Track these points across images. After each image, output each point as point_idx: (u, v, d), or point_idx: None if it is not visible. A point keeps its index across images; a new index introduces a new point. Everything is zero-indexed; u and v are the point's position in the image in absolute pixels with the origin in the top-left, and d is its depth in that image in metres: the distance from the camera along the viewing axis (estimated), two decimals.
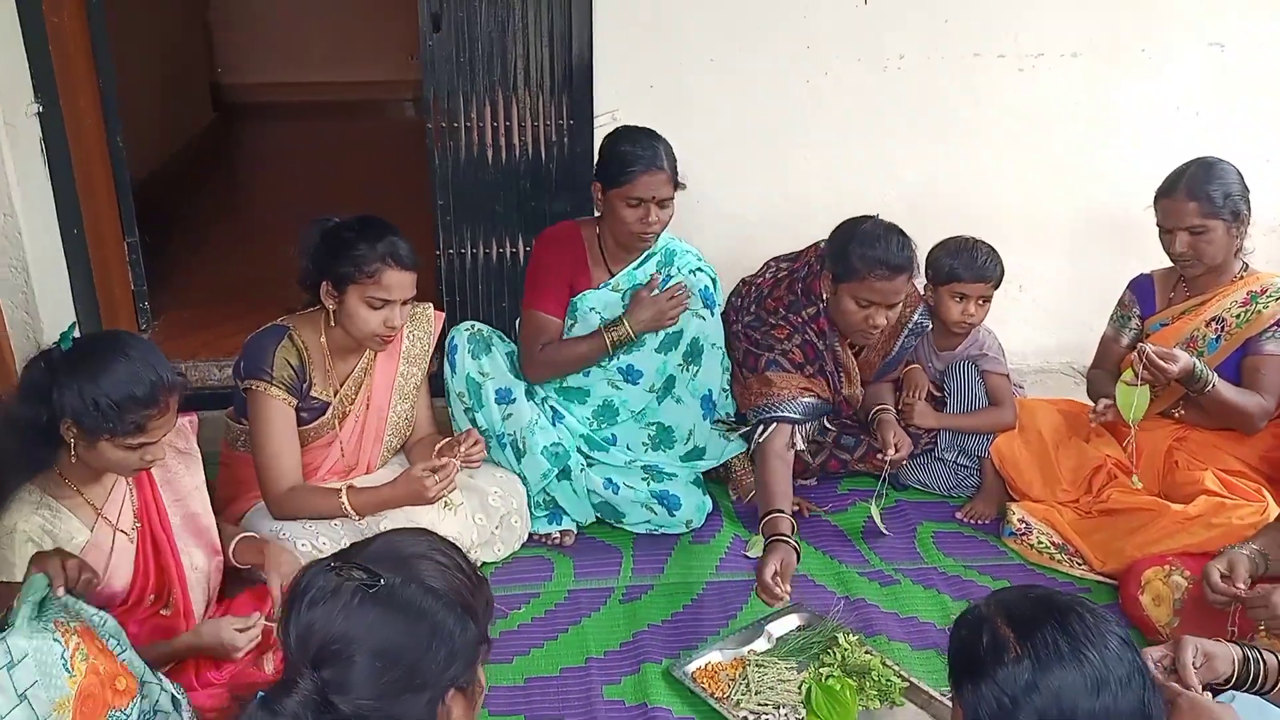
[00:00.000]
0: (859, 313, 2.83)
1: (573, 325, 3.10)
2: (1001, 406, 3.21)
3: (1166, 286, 3.14)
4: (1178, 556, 2.69)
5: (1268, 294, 2.91)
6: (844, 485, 3.32)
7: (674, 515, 3.03)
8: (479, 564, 2.84)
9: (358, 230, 2.59)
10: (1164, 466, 3.03)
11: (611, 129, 3.11)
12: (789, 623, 2.64)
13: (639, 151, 2.91)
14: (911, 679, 2.41)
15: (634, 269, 3.10)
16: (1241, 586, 2.31)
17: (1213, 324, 2.97)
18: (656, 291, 3.01)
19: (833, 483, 3.32)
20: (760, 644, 2.58)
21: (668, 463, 3.12)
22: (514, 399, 3.02)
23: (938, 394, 3.29)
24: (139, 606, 2.30)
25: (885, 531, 3.03)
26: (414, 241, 2.68)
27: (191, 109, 7.11)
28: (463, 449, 2.67)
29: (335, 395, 2.73)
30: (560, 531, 3.04)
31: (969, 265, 3.16)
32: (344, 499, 2.61)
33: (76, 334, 2.13)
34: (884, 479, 3.08)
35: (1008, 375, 3.27)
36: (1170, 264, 3.07)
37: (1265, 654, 1.88)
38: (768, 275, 3.22)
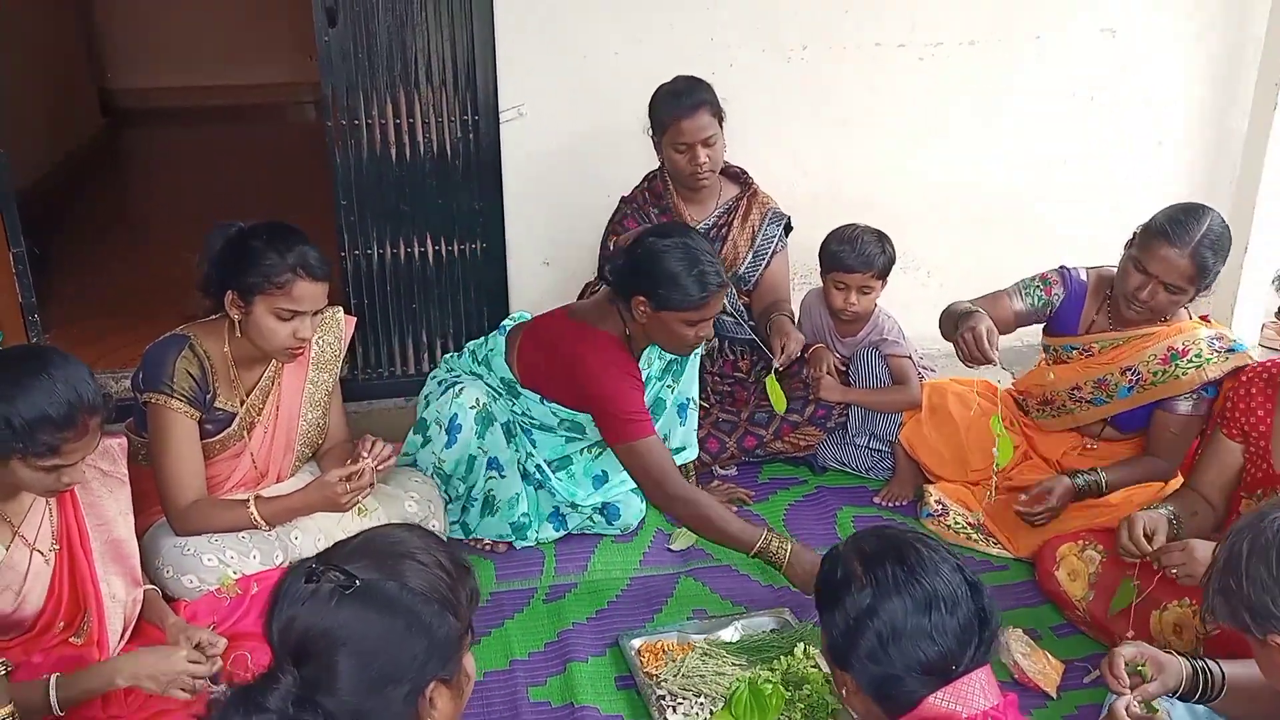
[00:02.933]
0: (681, 158, 3.17)
1: None
2: (906, 385, 3.25)
3: (1094, 305, 2.95)
4: (1090, 532, 2.75)
5: (1188, 358, 2.74)
6: (764, 474, 3.33)
7: (612, 524, 3.02)
8: None
9: (266, 238, 2.48)
10: (1062, 462, 3.06)
11: (655, 243, 2.65)
12: (762, 623, 2.63)
13: (705, 267, 2.60)
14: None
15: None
16: (1151, 547, 2.39)
17: (1128, 374, 2.83)
18: None
19: (752, 471, 3.32)
20: (727, 634, 2.58)
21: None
22: (505, 475, 2.92)
23: (843, 369, 3.32)
24: (47, 634, 2.19)
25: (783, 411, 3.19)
26: (318, 243, 2.60)
27: (79, 115, 6.83)
28: (370, 456, 2.59)
29: (242, 405, 2.64)
30: (493, 541, 2.99)
31: (846, 255, 3.19)
32: (252, 509, 2.52)
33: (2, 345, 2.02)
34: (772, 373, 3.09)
35: (910, 356, 3.31)
36: (1101, 274, 2.96)
37: (1212, 664, 1.93)
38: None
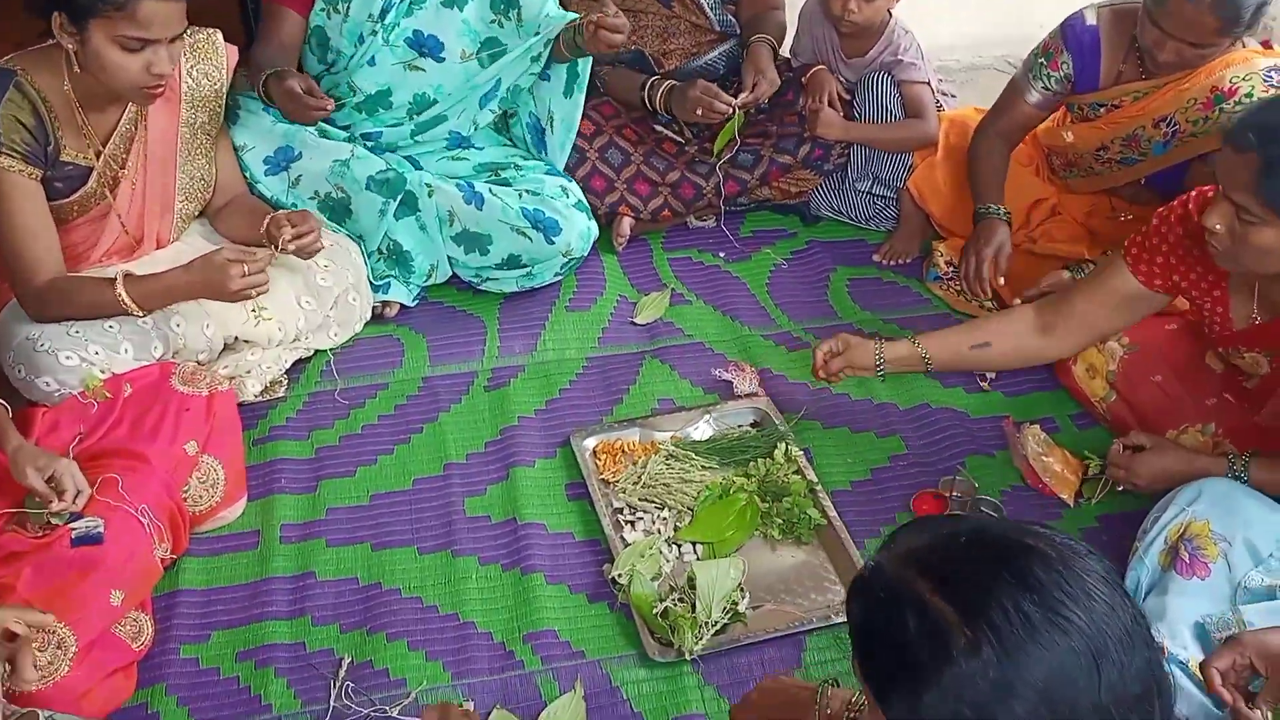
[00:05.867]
0: None
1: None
2: (921, 119, 2.72)
3: (1116, 55, 2.41)
4: None
5: (1236, 98, 2.23)
6: (747, 226, 2.85)
7: (552, 242, 2.47)
8: (311, 353, 2.39)
9: None
10: (1090, 224, 2.63)
11: None
12: (739, 417, 2.27)
13: None
14: (832, 519, 2.03)
15: None
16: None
17: (1161, 126, 2.34)
18: None
19: (734, 222, 2.84)
20: (698, 431, 2.24)
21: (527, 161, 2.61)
22: (297, 156, 2.43)
23: (848, 98, 2.77)
24: None
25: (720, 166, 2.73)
26: None
27: None
28: (289, 235, 2.13)
29: (98, 157, 2.11)
30: (382, 303, 2.51)
31: None
32: (120, 291, 2.05)
33: None
34: (734, 117, 2.62)
35: (929, 83, 2.75)
36: (1117, 11, 2.39)
37: None
38: None
